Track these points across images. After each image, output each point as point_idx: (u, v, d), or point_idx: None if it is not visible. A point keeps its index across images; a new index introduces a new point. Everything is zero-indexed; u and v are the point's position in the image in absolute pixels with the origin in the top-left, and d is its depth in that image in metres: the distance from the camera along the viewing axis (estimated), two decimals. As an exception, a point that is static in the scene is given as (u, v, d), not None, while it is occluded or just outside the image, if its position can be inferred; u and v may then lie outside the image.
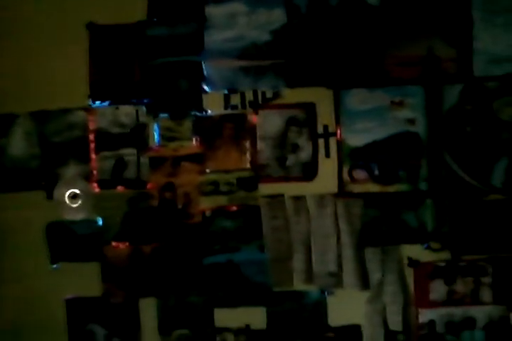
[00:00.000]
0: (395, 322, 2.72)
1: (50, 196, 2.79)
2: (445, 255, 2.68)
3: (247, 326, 2.77)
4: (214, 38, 2.70)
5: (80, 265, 2.78)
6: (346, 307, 2.73)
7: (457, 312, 2.69)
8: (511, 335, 2.66)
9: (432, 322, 2.71)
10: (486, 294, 2.69)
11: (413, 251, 2.67)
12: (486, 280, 2.69)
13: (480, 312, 2.69)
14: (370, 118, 2.69)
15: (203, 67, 2.70)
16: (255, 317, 2.75)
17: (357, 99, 2.70)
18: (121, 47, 2.73)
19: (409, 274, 2.69)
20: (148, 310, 2.80)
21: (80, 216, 2.79)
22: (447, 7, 2.61)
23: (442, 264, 2.68)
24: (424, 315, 2.72)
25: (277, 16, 2.68)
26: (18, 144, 2.80)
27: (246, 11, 2.68)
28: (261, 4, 2.66)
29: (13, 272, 2.83)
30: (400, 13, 2.64)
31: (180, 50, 2.72)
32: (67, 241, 2.79)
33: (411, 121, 2.68)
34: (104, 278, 2.80)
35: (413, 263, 2.69)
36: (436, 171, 2.67)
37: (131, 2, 2.71)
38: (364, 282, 2.71)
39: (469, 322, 2.69)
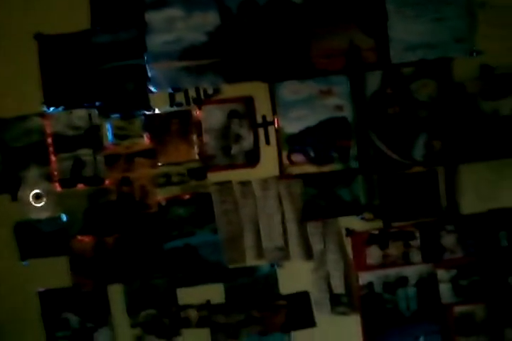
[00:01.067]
0: (338, 286, 2.77)
1: (15, 198, 2.71)
2: (377, 224, 2.74)
3: (208, 301, 2.79)
4: (155, 42, 2.65)
5: (49, 260, 2.74)
6: (294, 277, 2.77)
7: (392, 273, 2.75)
8: (438, 288, 2.73)
9: (370, 284, 2.77)
10: (415, 255, 2.76)
11: (349, 222, 2.73)
12: (415, 243, 2.75)
13: (411, 272, 2.75)
14: (302, 107, 2.69)
15: (147, 69, 2.65)
16: (214, 293, 2.78)
17: (289, 90, 2.69)
18: (70, 54, 2.67)
19: (348, 243, 2.73)
20: (116, 295, 2.78)
21: (44, 214, 2.73)
22: (363, 1, 2.63)
23: (376, 232, 2.75)
24: (364, 278, 2.76)
25: (211, 18, 2.64)
26: None
27: (182, 15, 2.63)
28: (196, 8, 2.63)
29: None
30: (321, 9, 2.66)
31: (125, 55, 2.67)
32: (35, 238, 2.73)
33: (339, 107, 2.69)
34: (73, 269, 2.78)
35: (350, 232, 2.75)
36: (365, 150, 2.71)
37: (75, 12, 2.63)
38: (308, 253, 2.75)
39: (403, 281, 2.76)
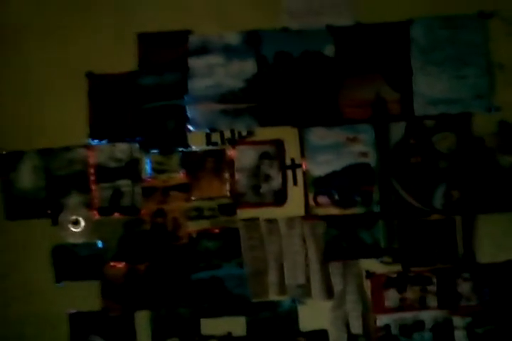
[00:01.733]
0: (356, 327, 2.67)
1: (55, 222, 2.69)
2: (396, 267, 2.65)
3: (229, 333, 2.71)
4: (196, 85, 2.68)
5: (81, 283, 2.69)
6: (314, 314, 2.69)
7: (408, 316, 2.66)
8: (453, 335, 2.64)
9: (387, 326, 2.66)
10: (432, 300, 2.67)
11: (369, 264, 2.65)
12: (431, 288, 2.66)
13: (427, 316, 2.66)
14: (329, 152, 2.67)
15: (187, 110, 2.68)
16: (236, 325, 2.69)
17: (318, 135, 2.67)
18: (116, 93, 2.70)
19: (367, 285, 2.64)
20: (142, 321, 2.71)
21: (81, 239, 2.70)
22: (391, 58, 2.64)
23: (394, 275, 2.66)
24: (381, 320, 2.67)
25: (249, 67, 2.66)
26: (26, 178, 2.69)
27: (223, 63, 2.67)
28: (235, 56, 2.66)
29: (22, 289, 2.75)
30: (352, 63, 2.66)
31: (168, 96, 2.69)
32: (70, 262, 2.69)
33: (364, 154, 2.66)
34: (104, 294, 2.71)
35: (370, 275, 2.65)
36: (387, 196, 2.65)
37: (125, 54, 2.66)
38: (329, 292, 2.68)
39: (419, 325, 2.66)
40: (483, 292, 2.60)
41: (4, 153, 2.67)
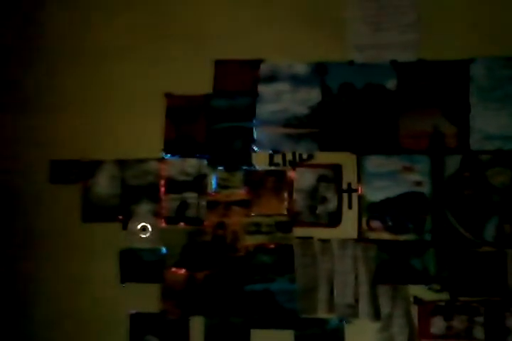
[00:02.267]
0: None
1: (125, 227, 2.26)
2: (444, 296, 2.08)
3: None
4: (264, 110, 2.22)
5: (144, 285, 2.22)
6: (360, 334, 2.12)
7: None
8: None
9: None
10: (479, 332, 2.05)
11: (418, 290, 2.09)
12: (479, 319, 2.06)
13: None
14: (385, 179, 2.13)
15: (254, 132, 2.23)
16: (285, 338, 2.15)
17: (375, 163, 2.15)
18: (191, 113, 2.27)
19: (414, 310, 2.09)
20: (197, 326, 2.21)
21: (147, 245, 2.24)
22: (451, 93, 2.14)
23: (442, 303, 2.09)
24: None
25: (314, 95, 2.20)
26: (102, 185, 2.28)
27: (290, 90, 2.21)
28: (301, 85, 2.20)
29: (90, 288, 2.25)
30: (413, 96, 2.15)
31: (237, 118, 2.24)
32: (135, 265, 2.24)
33: (419, 183, 2.12)
34: (163, 297, 2.23)
35: (418, 301, 2.10)
36: (439, 225, 2.10)
37: (201, 78, 2.23)
38: (376, 314, 2.13)
39: None
40: None
41: (86, 161, 2.30)
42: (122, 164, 2.31)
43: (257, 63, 2.28)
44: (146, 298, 2.23)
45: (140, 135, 2.28)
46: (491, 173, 2.13)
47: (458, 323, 2.09)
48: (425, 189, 2.15)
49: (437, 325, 2.10)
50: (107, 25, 2.34)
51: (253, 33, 2.25)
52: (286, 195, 2.23)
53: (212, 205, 2.27)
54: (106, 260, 2.26)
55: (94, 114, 2.33)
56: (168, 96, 2.31)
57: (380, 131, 2.20)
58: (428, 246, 2.13)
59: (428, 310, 2.10)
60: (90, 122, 2.33)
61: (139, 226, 2.27)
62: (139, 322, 2.26)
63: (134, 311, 2.26)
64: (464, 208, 2.13)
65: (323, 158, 2.21)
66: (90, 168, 2.33)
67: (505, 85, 2.16)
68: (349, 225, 2.17)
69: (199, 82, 2.27)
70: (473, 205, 2.13)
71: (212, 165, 2.28)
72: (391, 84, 2.21)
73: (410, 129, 2.18)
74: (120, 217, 2.30)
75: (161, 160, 2.30)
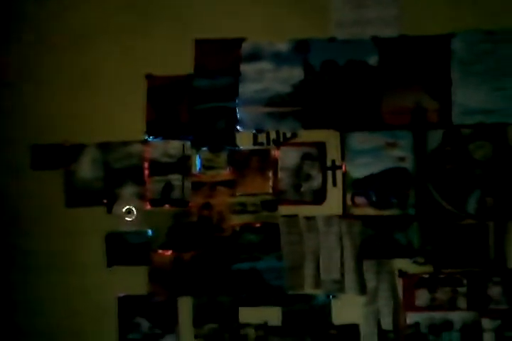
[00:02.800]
0: (387, 323, 2.15)
1: (110, 211, 2.25)
2: (428, 268, 2.13)
3: (265, 323, 2.21)
4: (246, 89, 2.21)
5: (131, 268, 2.22)
6: (347, 309, 2.17)
7: (438, 316, 2.12)
8: (482, 337, 2.09)
9: (417, 324, 2.13)
10: (462, 301, 2.11)
11: (402, 264, 2.13)
12: (462, 290, 2.11)
13: (456, 317, 2.11)
14: (368, 156, 2.15)
15: (237, 112, 2.21)
16: (272, 315, 2.19)
17: (358, 139, 2.16)
18: (173, 94, 2.25)
19: (399, 283, 2.13)
20: (185, 306, 2.23)
21: (133, 228, 2.23)
22: (432, 69, 2.14)
23: (426, 276, 2.14)
24: (411, 318, 2.13)
25: (296, 73, 2.18)
26: (86, 169, 2.26)
27: (272, 69, 2.19)
28: (284, 63, 2.19)
29: (76, 272, 2.25)
30: (394, 72, 2.15)
31: (220, 98, 2.23)
32: (121, 248, 2.24)
33: (402, 159, 2.14)
34: (151, 279, 2.24)
35: (402, 274, 2.14)
36: (422, 199, 2.13)
37: (182, 59, 2.20)
38: (362, 288, 2.17)
39: (448, 325, 2.11)
40: None
41: (68, 145, 2.28)
42: (105, 147, 2.29)
43: (238, 42, 2.25)
44: (134, 281, 2.24)
45: (122, 117, 2.25)
46: (472, 147, 2.15)
47: (442, 294, 2.13)
48: (408, 164, 2.17)
49: (422, 296, 2.14)
50: (85, 7, 2.29)
51: (234, 12, 2.22)
52: (270, 174, 2.23)
53: (197, 186, 2.27)
54: (92, 244, 2.26)
55: (75, 98, 2.29)
56: (149, 77, 2.28)
57: (363, 108, 2.20)
58: (412, 220, 2.15)
59: (412, 282, 2.14)
60: (71, 106, 2.29)
61: (124, 209, 2.26)
62: (127, 304, 2.27)
63: (122, 294, 2.27)
64: (446, 182, 2.15)
65: (307, 136, 2.21)
66: (72, 152, 2.30)
67: (485, 59, 2.16)
68: (334, 202, 2.19)
69: (180, 63, 2.24)
70: (456, 179, 2.15)
71: (196, 146, 2.27)
72: (373, 60, 2.20)
73: (393, 105, 2.18)
74: (105, 201, 2.28)
75: (144, 142, 2.28)
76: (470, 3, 2.15)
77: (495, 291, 2.12)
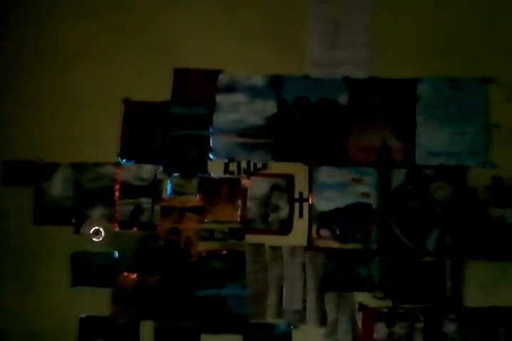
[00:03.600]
0: None
1: (77, 231, 2.25)
2: (387, 303, 2.16)
3: None
4: (221, 119, 2.27)
5: (95, 289, 2.21)
6: (307, 339, 2.17)
7: None
8: None
9: None
10: (418, 337, 2.14)
11: (362, 297, 2.17)
12: (419, 325, 2.15)
13: None
14: (335, 190, 2.21)
15: (211, 140, 2.27)
16: None
17: (326, 174, 2.23)
18: (148, 119, 2.29)
19: (359, 316, 2.16)
20: (147, 330, 2.21)
21: (100, 249, 2.23)
22: (399, 110, 2.23)
23: (385, 310, 2.17)
24: None
25: (270, 107, 2.26)
26: (57, 187, 2.26)
27: (246, 101, 2.26)
28: (258, 97, 2.26)
29: (39, 290, 2.24)
30: (363, 112, 2.24)
31: (194, 126, 2.27)
32: (87, 268, 2.24)
33: (366, 195, 2.21)
34: (114, 301, 2.23)
35: (362, 307, 2.17)
36: (384, 235, 2.18)
37: (160, 86, 2.26)
38: (322, 320, 2.19)
39: None
40: (468, 333, 2.11)
41: (41, 163, 2.29)
42: (78, 167, 2.31)
43: (215, 73, 2.33)
44: (97, 302, 2.23)
45: (97, 139, 2.29)
46: (433, 187, 2.24)
47: (399, 329, 2.18)
48: (372, 200, 2.24)
49: (380, 330, 2.18)
50: (67, 28, 2.35)
51: (214, 45, 2.31)
52: (239, 202, 2.28)
53: (167, 211, 2.30)
54: (58, 263, 2.25)
55: (51, 116, 2.32)
56: (126, 101, 2.33)
57: (332, 144, 2.28)
58: (373, 255, 2.21)
59: (372, 316, 2.18)
60: (46, 124, 2.32)
61: (92, 230, 2.28)
62: (89, 325, 2.25)
63: (84, 315, 2.26)
64: (408, 219, 2.23)
65: (277, 167, 2.27)
66: (45, 170, 2.32)
67: (449, 105, 2.28)
68: (299, 233, 2.23)
69: (158, 89, 2.30)
70: (417, 217, 2.23)
71: (168, 171, 2.31)
72: (343, 99, 2.30)
73: (360, 143, 2.27)
74: (73, 221, 2.29)
75: (117, 164, 2.31)
76: (438, 51, 2.28)
77: (450, 328, 2.17)
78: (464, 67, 2.26)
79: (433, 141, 2.24)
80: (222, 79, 2.33)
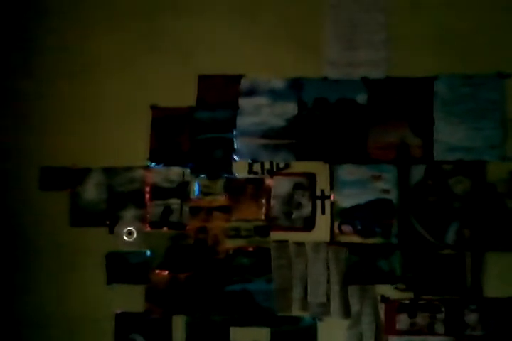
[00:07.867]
0: None
1: (111, 231, 2.33)
2: (409, 294, 2.20)
3: None
4: (244, 122, 2.32)
5: (129, 286, 2.29)
6: (332, 331, 2.24)
7: (417, 340, 2.18)
8: None
9: None
10: (440, 327, 2.18)
11: (385, 290, 2.21)
12: (440, 316, 2.18)
13: None
14: (355, 187, 2.25)
15: (235, 142, 2.33)
16: (261, 335, 2.25)
17: (346, 172, 2.26)
18: (175, 124, 2.35)
19: (381, 308, 2.20)
20: (179, 324, 2.29)
21: (133, 248, 2.31)
22: (416, 108, 2.26)
23: (406, 302, 2.21)
24: None
25: (290, 108, 2.30)
26: (90, 191, 2.35)
27: (268, 104, 2.31)
28: (279, 99, 2.31)
29: (77, 289, 2.32)
30: (381, 111, 2.27)
31: (219, 129, 2.34)
32: (121, 267, 2.32)
33: (386, 191, 2.24)
34: (147, 297, 2.31)
35: (385, 299, 2.21)
36: (404, 229, 2.22)
37: (185, 92, 2.31)
38: (346, 312, 2.24)
39: None
40: (489, 323, 2.16)
41: (75, 168, 2.38)
42: (110, 171, 2.39)
43: (237, 78, 2.39)
44: (131, 299, 2.31)
45: (127, 144, 2.37)
46: (452, 182, 2.28)
47: (421, 320, 2.23)
48: (392, 196, 2.29)
49: (402, 321, 2.23)
50: (98, 39, 2.42)
51: (235, 50, 2.36)
52: (264, 201, 2.34)
53: (195, 211, 2.37)
54: (93, 263, 2.33)
55: (84, 124, 2.40)
56: (154, 108, 2.41)
57: (351, 143, 2.33)
58: (394, 249, 2.26)
59: (394, 308, 2.23)
60: (80, 131, 2.40)
61: (125, 231, 2.36)
62: (124, 321, 2.34)
63: (119, 311, 2.35)
64: (427, 214, 2.27)
65: (299, 167, 2.33)
66: (79, 174, 2.40)
67: (466, 101, 2.31)
68: (322, 229, 2.29)
69: (183, 96, 2.36)
70: (436, 211, 2.27)
71: (195, 173, 2.38)
72: (362, 99, 2.34)
73: (379, 141, 2.32)
74: (107, 222, 2.38)
75: (147, 168, 2.39)
76: (453, 49, 2.30)
77: (471, 318, 2.22)
78: (479, 63, 2.27)
79: (451, 136, 2.28)
80: (244, 83, 2.38)
